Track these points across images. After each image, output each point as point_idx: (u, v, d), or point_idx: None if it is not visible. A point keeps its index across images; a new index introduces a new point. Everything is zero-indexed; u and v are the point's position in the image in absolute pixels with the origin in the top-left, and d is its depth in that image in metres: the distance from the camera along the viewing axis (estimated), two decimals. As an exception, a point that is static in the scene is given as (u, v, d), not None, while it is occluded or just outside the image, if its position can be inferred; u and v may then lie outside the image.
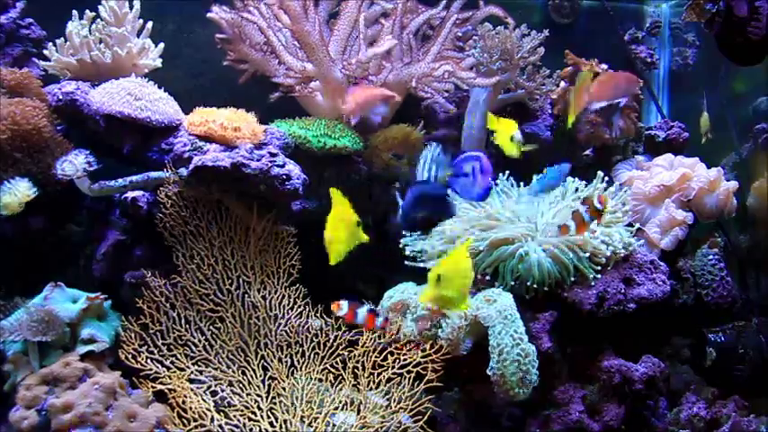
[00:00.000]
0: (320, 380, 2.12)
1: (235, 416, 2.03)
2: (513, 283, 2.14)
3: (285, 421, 2.03)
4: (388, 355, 2.09)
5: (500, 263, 2.17)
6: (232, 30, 2.59)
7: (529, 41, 2.59)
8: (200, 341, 2.16)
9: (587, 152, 2.86)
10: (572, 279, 2.15)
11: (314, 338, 2.19)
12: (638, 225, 2.36)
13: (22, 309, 2.00)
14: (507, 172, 2.46)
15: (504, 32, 2.57)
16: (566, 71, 2.79)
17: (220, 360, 2.15)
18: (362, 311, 1.92)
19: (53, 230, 2.30)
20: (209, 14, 2.54)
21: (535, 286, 2.12)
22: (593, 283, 2.14)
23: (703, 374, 2.38)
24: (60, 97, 2.25)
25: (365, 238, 1.86)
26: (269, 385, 2.12)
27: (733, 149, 2.95)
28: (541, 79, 2.70)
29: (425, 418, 2.01)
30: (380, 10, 2.62)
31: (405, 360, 2.07)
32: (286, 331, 2.20)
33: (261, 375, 2.13)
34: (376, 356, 2.10)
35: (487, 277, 2.18)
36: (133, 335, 2.10)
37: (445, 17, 2.53)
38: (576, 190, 2.37)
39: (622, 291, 2.16)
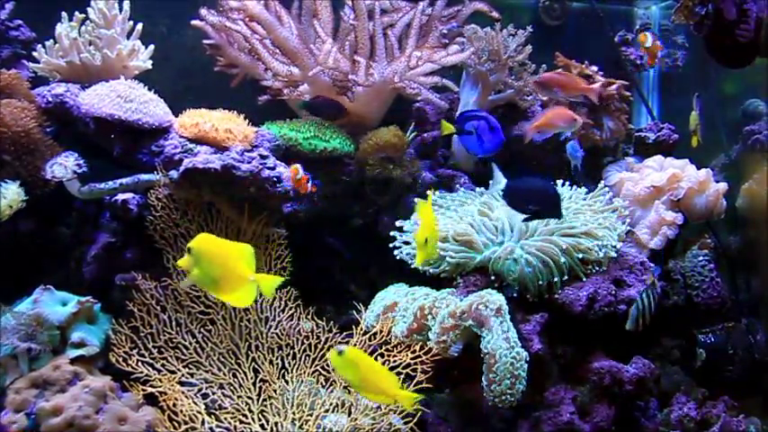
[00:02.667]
0: (311, 382, 2.12)
1: (226, 418, 2.03)
2: (514, 285, 2.14)
3: (276, 423, 2.03)
4: (378, 357, 2.09)
5: (491, 264, 2.17)
6: (219, 35, 2.59)
7: (515, 40, 2.59)
8: (190, 344, 2.15)
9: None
10: (563, 280, 2.15)
11: (305, 340, 2.19)
12: (627, 227, 2.36)
13: (9, 313, 1.99)
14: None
15: (491, 33, 2.57)
16: (556, 73, 2.80)
17: (211, 363, 2.14)
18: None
19: (43, 233, 2.29)
20: (192, 22, 2.54)
21: (518, 287, 2.13)
22: (583, 285, 2.15)
23: (693, 375, 2.39)
24: (50, 99, 2.25)
25: (434, 253, 1.96)
26: (260, 387, 2.12)
27: (722, 151, 2.97)
28: (528, 76, 2.70)
29: (416, 419, 2.02)
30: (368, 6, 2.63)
31: (395, 362, 2.07)
32: (277, 333, 2.20)
33: (252, 378, 2.13)
34: (367, 358, 2.10)
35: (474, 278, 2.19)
36: (123, 338, 2.09)
37: (414, 10, 2.53)
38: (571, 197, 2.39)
39: (613, 292, 2.17)
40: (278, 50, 2.51)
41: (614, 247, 2.22)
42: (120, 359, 2.06)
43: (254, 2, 2.41)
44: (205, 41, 2.61)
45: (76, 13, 2.37)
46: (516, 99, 2.74)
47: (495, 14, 2.61)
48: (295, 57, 2.45)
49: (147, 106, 2.26)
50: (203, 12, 2.52)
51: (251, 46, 2.50)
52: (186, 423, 1.98)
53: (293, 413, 2.05)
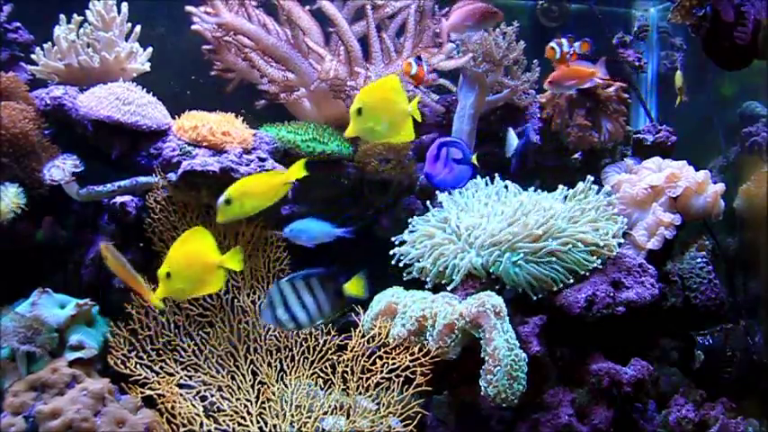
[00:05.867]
0: (310, 384, 2.12)
1: (224, 421, 2.03)
2: (514, 287, 2.15)
3: (275, 426, 2.03)
4: (377, 360, 2.10)
5: (491, 265, 2.17)
6: (216, 40, 2.58)
7: (506, 39, 2.59)
8: (189, 346, 2.15)
9: (576, 156, 2.87)
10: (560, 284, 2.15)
11: (303, 343, 2.19)
12: (625, 227, 2.36)
13: (8, 315, 1.99)
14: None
15: (483, 34, 2.57)
16: (554, 75, 2.80)
17: (210, 365, 2.14)
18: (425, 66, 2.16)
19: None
20: (193, 27, 2.54)
21: (518, 289, 2.14)
22: (581, 287, 2.15)
23: (692, 377, 2.39)
24: (48, 102, 2.25)
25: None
26: (258, 390, 2.12)
27: (720, 153, 2.97)
28: (520, 72, 2.70)
29: (415, 421, 2.02)
30: (354, 5, 2.63)
31: (394, 364, 2.08)
32: (275, 336, 2.20)
33: (250, 380, 2.13)
34: (365, 361, 2.10)
35: (483, 280, 2.19)
36: (122, 340, 2.09)
37: (408, 9, 2.53)
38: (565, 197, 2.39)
39: (611, 294, 2.17)
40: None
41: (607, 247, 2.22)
42: (119, 361, 2.06)
43: (231, 14, 2.40)
44: (204, 47, 2.61)
45: (75, 15, 2.37)
46: (514, 99, 2.74)
47: None
48: (287, 63, 2.45)
49: (146, 109, 2.26)
50: (201, 15, 2.52)
51: (245, 54, 2.50)
52: (185, 425, 1.98)
53: (292, 415, 2.05)
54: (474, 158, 2.16)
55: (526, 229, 2.16)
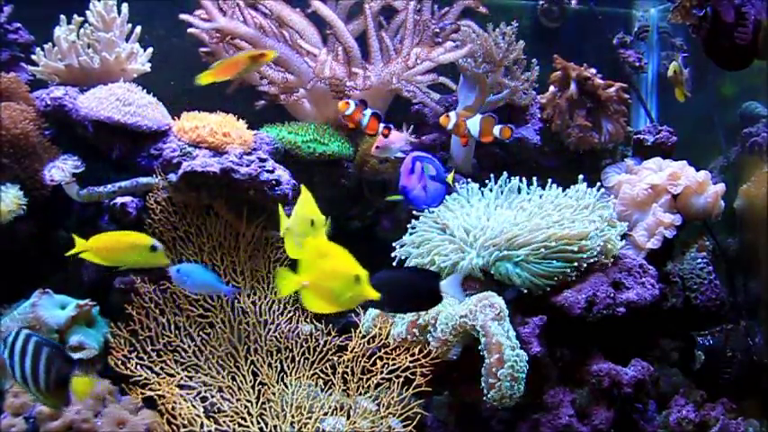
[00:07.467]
0: (310, 385, 2.12)
1: (224, 422, 2.03)
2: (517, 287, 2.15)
3: (275, 427, 2.03)
4: (377, 360, 2.10)
5: (491, 266, 2.17)
6: (215, 42, 2.58)
7: (506, 39, 2.59)
8: (189, 347, 2.15)
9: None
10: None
11: (304, 344, 2.19)
12: (624, 227, 2.37)
13: (8, 316, 1.99)
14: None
15: (483, 35, 2.57)
16: (555, 76, 2.80)
17: (210, 366, 2.14)
18: (368, 114, 2.12)
19: (41, 236, 2.29)
20: (189, 30, 2.53)
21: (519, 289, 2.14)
22: (582, 287, 2.15)
23: (692, 377, 2.39)
24: (48, 102, 2.24)
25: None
26: (259, 391, 2.12)
27: (721, 153, 2.97)
28: (520, 72, 2.70)
29: (415, 422, 2.02)
30: (347, 4, 2.63)
31: (394, 365, 2.08)
32: (276, 336, 2.20)
33: (251, 381, 2.13)
34: (365, 361, 2.10)
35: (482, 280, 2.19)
36: (122, 341, 2.09)
37: (406, 8, 2.52)
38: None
39: (612, 295, 2.17)
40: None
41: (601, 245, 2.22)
42: (119, 362, 2.06)
43: (226, 19, 2.40)
44: (201, 49, 2.61)
45: (75, 15, 2.37)
46: (513, 98, 2.74)
47: (482, 10, 2.61)
48: (286, 64, 2.45)
49: (146, 109, 2.26)
50: (195, 21, 2.50)
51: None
52: (185, 426, 1.98)
53: (292, 416, 2.05)
54: (450, 177, 2.09)
55: (527, 230, 2.16)
